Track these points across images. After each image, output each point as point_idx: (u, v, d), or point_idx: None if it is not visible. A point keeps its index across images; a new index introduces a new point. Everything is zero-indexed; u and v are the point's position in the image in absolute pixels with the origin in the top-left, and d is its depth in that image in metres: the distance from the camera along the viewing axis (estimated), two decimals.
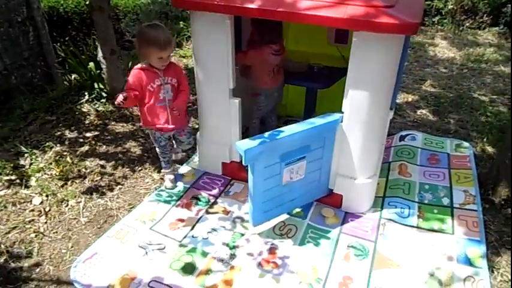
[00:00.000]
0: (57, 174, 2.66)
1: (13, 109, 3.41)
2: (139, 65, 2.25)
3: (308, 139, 2.11)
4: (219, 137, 2.52)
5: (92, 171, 2.74)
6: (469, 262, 2.04)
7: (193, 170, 2.76)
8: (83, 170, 2.75)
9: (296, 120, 2.21)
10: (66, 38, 4.17)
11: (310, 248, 2.13)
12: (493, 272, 2.02)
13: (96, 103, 3.58)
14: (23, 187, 2.57)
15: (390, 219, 2.31)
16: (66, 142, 3.06)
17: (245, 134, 2.68)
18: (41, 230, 2.26)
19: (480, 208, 2.39)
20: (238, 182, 2.63)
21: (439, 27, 6.27)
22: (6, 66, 3.52)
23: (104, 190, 2.58)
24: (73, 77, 3.88)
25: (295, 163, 2.14)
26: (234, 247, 2.13)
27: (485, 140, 3.17)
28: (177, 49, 5.01)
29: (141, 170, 2.78)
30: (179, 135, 2.52)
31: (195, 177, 2.68)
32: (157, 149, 2.54)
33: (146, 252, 2.08)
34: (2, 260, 2.06)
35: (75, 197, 2.51)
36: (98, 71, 3.65)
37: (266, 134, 2.01)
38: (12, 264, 2.04)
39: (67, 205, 2.45)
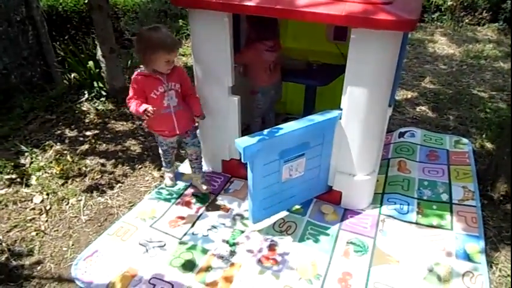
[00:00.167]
0: (58, 172, 2.67)
1: (13, 108, 3.42)
2: (139, 71, 2.11)
3: (307, 136, 2.11)
4: (218, 134, 2.53)
5: (92, 170, 2.75)
6: (468, 258, 2.05)
7: None
8: (83, 168, 2.76)
9: (295, 117, 2.20)
10: (66, 37, 4.18)
11: (309, 245, 2.14)
12: (491, 267, 2.03)
13: (95, 102, 3.59)
14: (23, 186, 2.58)
15: (389, 216, 2.31)
16: (66, 141, 3.07)
17: (246, 132, 2.68)
18: (42, 228, 2.27)
19: (479, 204, 2.40)
20: (238, 179, 2.64)
21: (439, 23, 6.26)
22: (6, 65, 3.52)
23: (104, 188, 2.59)
24: (72, 75, 3.89)
25: (295, 160, 2.14)
26: (234, 244, 2.14)
27: (484, 136, 3.17)
28: None
29: (141, 168, 2.79)
30: (184, 137, 2.48)
31: None
32: (159, 150, 2.54)
33: (146, 250, 2.09)
34: (3, 258, 2.07)
35: (75, 195, 2.52)
36: (98, 70, 3.65)
37: (265, 132, 2.01)
38: (14, 263, 2.05)
39: (67, 203, 2.46)
